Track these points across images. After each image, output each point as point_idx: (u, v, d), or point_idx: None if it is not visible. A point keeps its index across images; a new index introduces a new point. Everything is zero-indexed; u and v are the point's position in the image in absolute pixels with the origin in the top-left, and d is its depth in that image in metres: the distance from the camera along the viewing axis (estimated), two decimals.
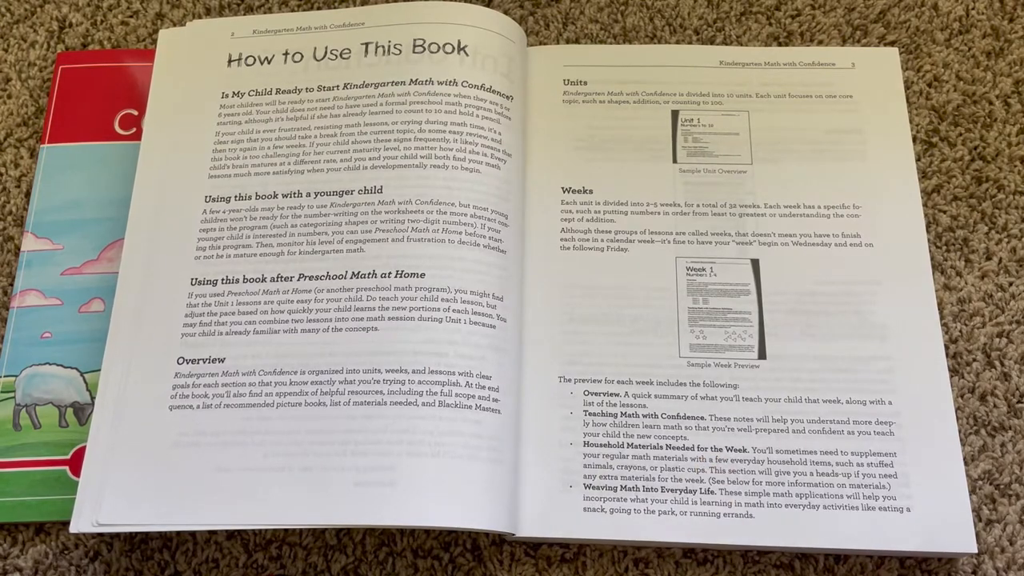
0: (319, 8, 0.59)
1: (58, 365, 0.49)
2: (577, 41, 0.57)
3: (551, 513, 0.45)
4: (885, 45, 0.56)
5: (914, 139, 0.54)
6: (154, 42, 0.58)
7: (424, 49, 0.52)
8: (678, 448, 0.46)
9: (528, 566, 0.46)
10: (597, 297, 0.49)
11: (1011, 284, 0.51)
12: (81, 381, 0.49)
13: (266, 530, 0.47)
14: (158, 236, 0.49)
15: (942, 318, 0.50)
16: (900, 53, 0.56)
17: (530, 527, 0.44)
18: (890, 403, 0.46)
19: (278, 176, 0.50)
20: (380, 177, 0.49)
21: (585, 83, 0.54)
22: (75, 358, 0.49)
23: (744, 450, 0.46)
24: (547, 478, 0.45)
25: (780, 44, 0.57)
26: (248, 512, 0.43)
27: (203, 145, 0.51)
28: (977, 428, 0.48)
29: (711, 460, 0.45)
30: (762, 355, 0.48)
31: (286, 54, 0.53)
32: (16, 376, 0.49)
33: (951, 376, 0.48)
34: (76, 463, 0.47)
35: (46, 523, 0.47)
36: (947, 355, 0.49)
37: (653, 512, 0.44)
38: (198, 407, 0.45)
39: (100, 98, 0.55)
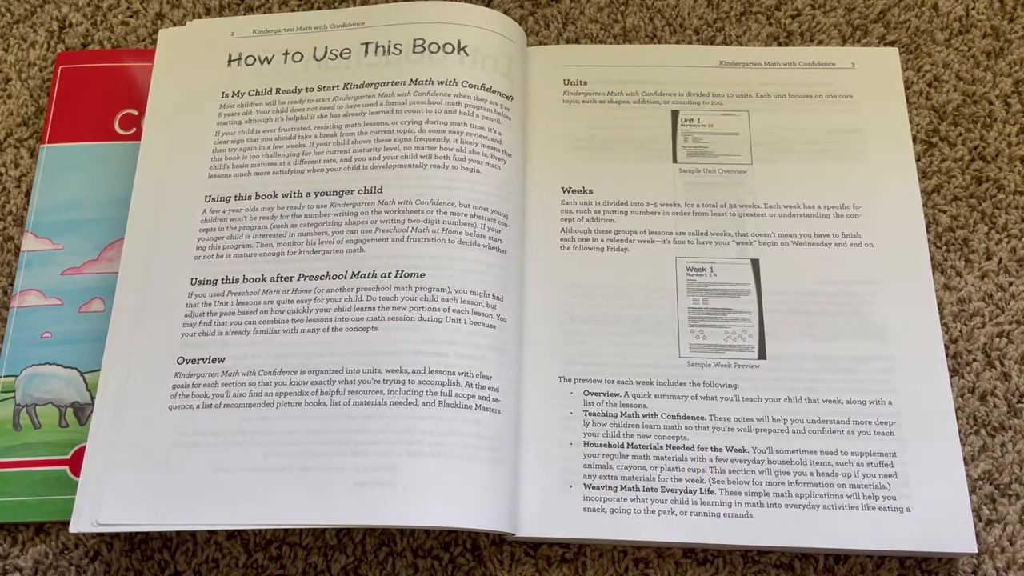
0: (319, 8, 0.59)
1: (58, 365, 0.49)
2: (577, 41, 0.57)
3: (551, 513, 0.45)
4: (885, 45, 0.56)
5: (914, 139, 0.54)
6: (154, 42, 0.58)
7: (424, 49, 0.52)
8: (678, 448, 0.46)
9: (528, 566, 0.46)
10: (597, 297, 0.49)
11: (1011, 284, 0.51)
12: (81, 381, 0.49)
13: (266, 530, 0.47)
14: (158, 236, 0.49)
15: (942, 318, 0.50)
16: (900, 53, 0.56)
17: (530, 527, 0.44)
18: (890, 403, 0.46)
19: (278, 176, 0.50)
20: (380, 177, 0.49)
21: (585, 83, 0.54)
22: (75, 358, 0.49)
23: (744, 450, 0.46)
24: (547, 478, 0.45)
25: (780, 44, 0.57)
26: (248, 512, 0.43)
27: (203, 145, 0.51)
28: (977, 428, 0.48)
29: (711, 460, 0.45)
30: (762, 355, 0.48)
31: (286, 54, 0.53)
32: (16, 376, 0.49)
33: (951, 376, 0.48)
34: (76, 463, 0.47)
35: (46, 523, 0.47)
36: (947, 355, 0.49)
37: (653, 512, 0.44)
38: (198, 407, 0.45)
39: (100, 98, 0.55)
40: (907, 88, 0.55)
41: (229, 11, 0.59)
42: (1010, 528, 0.46)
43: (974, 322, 0.50)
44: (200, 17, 0.59)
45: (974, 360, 0.49)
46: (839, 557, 0.46)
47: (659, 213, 0.51)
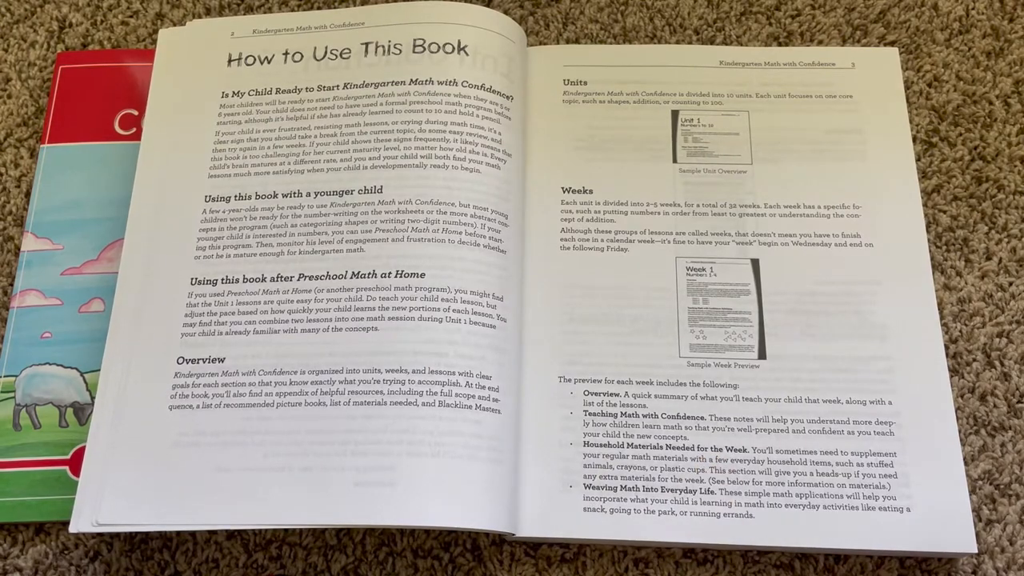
0: (319, 8, 0.59)
1: (58, 365, 0.49)
2: (577, 41, 0.57)
3: (551, 513, 0.45)
4: (885, 45, 0.56)
5: (914, 139, 0.54)
6: (154, 42, 0.58)
7: (424, 49, 0.52)
8: (678, 448, 0.46)
9: (528, 566, 0.46)
10: (597, 297, 0.49)
11: (1011, 284, 0.51)
12: (81, 381, 0.49)
13: (266, 530, 0.47)
14: (158, 236, 0.49)
15: (942, 318, 0.50)
16: (900, 53, 0.56)
17: (530, 527, 0.44)
18: (890, 403, 0.46)
19: (278, 176, 0.50)
20: (380, 177, 0.49)
21: (585, 83, 0.54)
22: (75, 358, 0.49)
23: (744, 450, 0.46)
24: (547, 478, 0.45)
25: (780, 44, 0.57)
26: (248, 512, 0.43)
27: (203, 145, 0.51)
28: (977, 428, 0.48)
29: (711, 460, 0.45)
30: (762, 355, 0.48)
31: (286, 54, 0.53)
32: (16, 376, 0.49)
33: (951, 376, 0.48)
34: (76, 463, 0.47)
35: (46, 523, 0.47)
36: (947, 355, 0.49)
37: (653, 512, 0.44)
38: (198, 407, 0.45)
39: (100, 98, 0.55)
40: (907, 88, 0.55)
41: (229, 11, 0.59)
42: (1010, 528, 0.46)
43: (974, 322, 0.50)
44: (200, 17, 0.59)
45: (974, 360, 0.49)
46: (839, 557, 0.46)
47: (659, 213, 0.51)
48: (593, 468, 0.45)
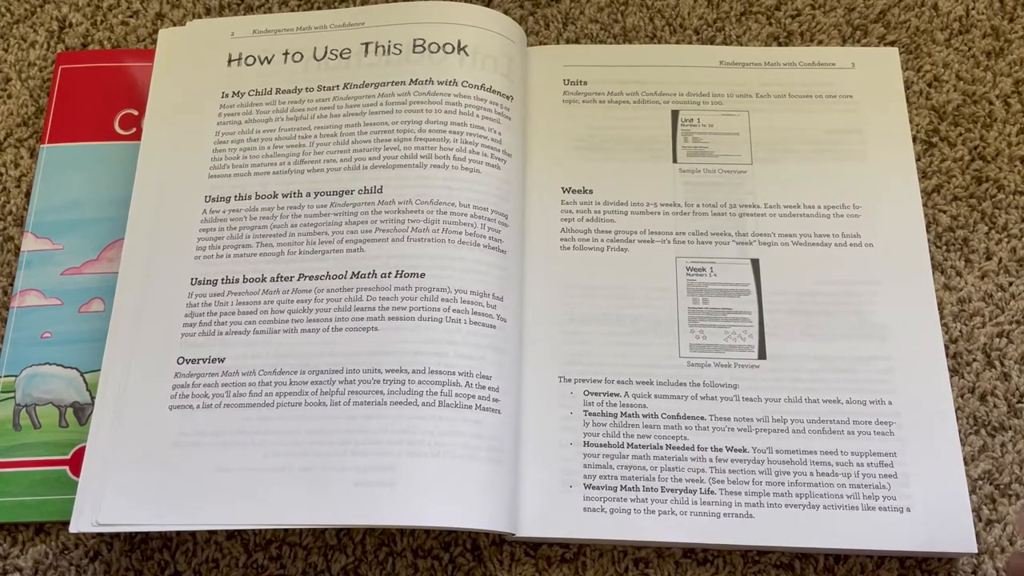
0: (319, 8, 0.59)
1: (58, 365, 0.49)
2: (577, 41, 0.57)
3: (551, 513, 0.45)
4: (885, 45, 0.56)
5: (914, 139, 0.54)
6: (154, 42, 0.58)
7: (424, 49, 0.52)
8: (678, 448, 0.46)
9: (528, 566, 0.46)
10: (597, 297, 0.49)
11: (1011, 284, 0.51)
12: (81, 381, 0.49)
13: (266, 530, 0.47)
14: (158, 236, 0.49)
15: (942, 318, 0.50)
16: (900, 53, 0.56)
17: (530, 527, 0.44)
18: (890, 403, 0.46)
19: (278, 176, 0.50)
20: (380, 177, 0.49)
21: (585, 83, 0.54)
22: (75, 358, 0.49)
23: (744, 450, 0.46)
24: (547, 478, 0.45)
25: (780, 44, 0.57)
26: (248, 512, 0.43)
27: (203, 145, 0.51)
28: (977, 428, 0.48)
29: (711, 460, 0.45)
30: (762, 355, 0.48)
31: (286, 54, 0.53)
32: (16, 376, 0.49)
33: (951, 376, 0.48)
34: (76, 463, 0.47)
35: (46, 523, 0.47)
36: (947, 355, 0.49)
37: (653, 512, 0.44)
38: (198, 407, 0.45)
39: (100, 98, 0.55)
40: (907, 88, 0.55)
41: (229, 11, 0.59)
42: (1010, 528, 0.46)
43: (974, 322, 0.50)
44: (200, 17, 0.59)
45: (974, 360, 0.49)
46: (839, 557, 0.46)
47: (659, 213, 0.51)
48: (593, 468, 0.45)
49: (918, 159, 0.53)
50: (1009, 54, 0.56)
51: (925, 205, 0.52)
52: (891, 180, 0.51)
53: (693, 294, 0.49)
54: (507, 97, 0.51)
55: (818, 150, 0.52)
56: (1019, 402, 0.48)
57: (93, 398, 0.47)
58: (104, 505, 0.43)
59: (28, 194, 0.54)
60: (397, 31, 0.52)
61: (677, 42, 0.57)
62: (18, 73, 0.57)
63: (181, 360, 0.46)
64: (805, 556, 0.46)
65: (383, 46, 0.52)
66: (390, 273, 0.46)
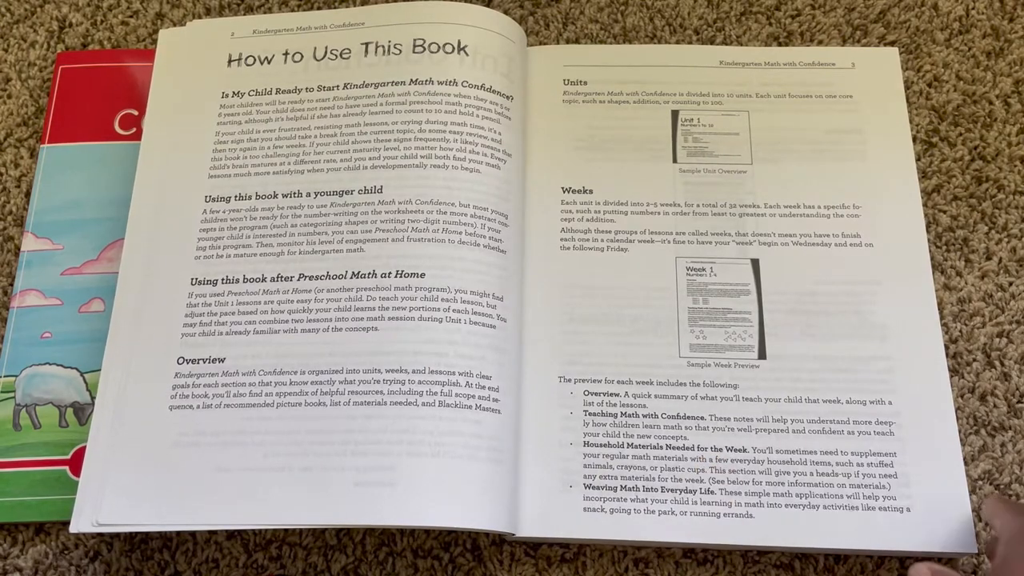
0: (319, 8, 0.59)
1: (58, 365, 0.49)
2: (577, 41, 0.57)
3: (551, 513, 0.45)
4: (885, 45, 0.56)
5: (914, 139, 0.54)
6: (154, 42, 0.58)
7: (424, 49, 0.52)
8: (678, 448, 0.46)
9: (528, 566, 0.46)
10: (597, 297, 0.49)
11: (1011, 284, 0.51)
12: (81, 381, 0.49)
13: (266, 530, 0.47)
14: (158, 236, 0.49)
15: (942, 318, 0.50)
16: (900, 53, 0.56)
17: (530, 527, 0.44)
18: (890, 403, 0.46)
19: (278, 176, 0.50)
20: (380, 177, 0.49)
21: (585, 83, 0.54)
22: (75, 358, 0.49)
23: (744, 450, 0.46)
24: (547, 478, 0.45)
25: (780, 44, 0.57)
26: (248, 512, 0.43)
27: (203, 145, 0.51)
28: (977, 428, 0.48)
29: (711, 460, 0.45)
30: (762, 355, 0.48)
31: (286, 54, 0.53)
32: (16, 376, 0.49)
33: (951, 376, 0.48)
34: (76, 463, 0.47)
35: (46, 523, 0.47)
36: (947, 355, 0.49)
37: (653, 512, 0.44)
38: (198, 407, 0.45)
39: (100, 98, 0.55)
40: (907, 88, 0.55)
41: (229, 11, 0.59)
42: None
43: (974, 322, 0.50)
44: (200, 17, 0.59)
45: (974, 360, 0.49)
46: (839, 557, 0.46)
47: (659, 213, 0.51)
48: (593, 468, 0.45)
49: (918, 159, 0.53)
50: (1009, 54, 0.56)
51: (925, 205, 0.52)
52: (891, 180, 0.51)
53: (693, 294, 0.49)
54: (507, 97, 0.51)
55: (818, 150, 0.52)
56: (1019, 402, 0.48)
57: (93, 398, 0.47)
58: (104, 505, 0.43)
59: (28, 194, 0.54)
60: (397, 31, 0.52)
61: (677, 42, 0.57)
62: (18, 73, 0.57)
63: (181, 360, 0.46)
64: (805, 556, 0.46)
65: (383, 46, 0.52)
66: (390, 273, 0.46)
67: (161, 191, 0.50)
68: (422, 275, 0.46)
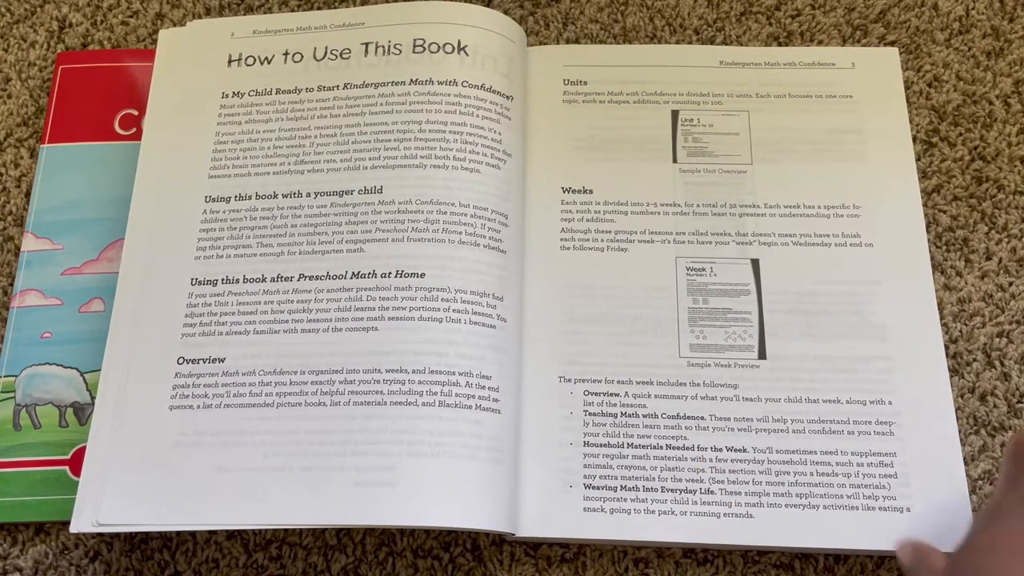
0: (319, 8, 0.59)
1: (58, 365, 0.49)
2: (577, 41, 0.57)
3: (551, 513, 0.45)
4: (885, 45, 0.56)
5: (914, 139, 0.54)
6: (154, 42, 0.58)
7: (424, 49, 0.52)
8: (678, 448, 0.46)
9: (528, 566, 0.46)
10: (597, 297, 0.49)
11: (1011, 284, 0.51)
12: (81, 381, 0.49)
13: (266, 530, 0.47)
14: (158, 236, 0.49)
15: (942, 318, 0.50)
16: (900, 53, 0.56)
17: (530, 527, 0.44)
18: (890, 403, 0.46)
19: (278, 176, 0.50)
20: (380, 177, 0.49)
21: (585, 83, 0.54)
22: (75, 358, 0.49)
23: (744, 450, 0.46)
24: (547, 478, 0.45)
25: (780, 44, 0.57)
26: (248, 512, 0.43)
27: (203, 145, 0.51)
28: (977, 428, 0.48)
29: (711, 460, 0.45)
30: (762, 355, 0.48)
31: (286, 54, 0.53)
32: (16, 376, 0.49)
33: (951, 376, 0.48)
34: (76, 463, 0.47)
35: (46, 523, 0.47)
36: (947, 355, 0.49)
37: (653, 512, 0.44)
38: (198, 407, 0.45)
39: (100, 98, 0.55)
40: (907, 88, 0.55)
41: (229, 11, 0.59)
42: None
43: (974, 322, 0.50)
44: (200, 17, 0.59)
45: (974, 360, 0.49)
46: (839, 557, 0.46)
47: (659, 213, 0.51)
48: (593, 468, 0.45)
49: (918, 159, 0.53)
50: (1009, 54, 0.56)
51: (925, 205, 0.52)
52: (891, 180, 0.51)
53: (693, 294, 0.49)
54: (507, 97, 0.51)
55: (818, 150, 0.52)
56: (1019, 402, 0.48)
57: (93, 398, 0.47)
58: (104, 505, 0.43)
59: (28, 194, 0.54)
60: (397, 31, 0.52)
61: (677, 42, 0.57)
62: (18, 73, 0.57)
63: (181, 360, 0.46)
64: (805, 556, 0.46)
65: (383, 46, 0.52)
66: (390, 273, 0.46)
67: (161, 191, 0.50)
68: (422, 275, 0.46)
